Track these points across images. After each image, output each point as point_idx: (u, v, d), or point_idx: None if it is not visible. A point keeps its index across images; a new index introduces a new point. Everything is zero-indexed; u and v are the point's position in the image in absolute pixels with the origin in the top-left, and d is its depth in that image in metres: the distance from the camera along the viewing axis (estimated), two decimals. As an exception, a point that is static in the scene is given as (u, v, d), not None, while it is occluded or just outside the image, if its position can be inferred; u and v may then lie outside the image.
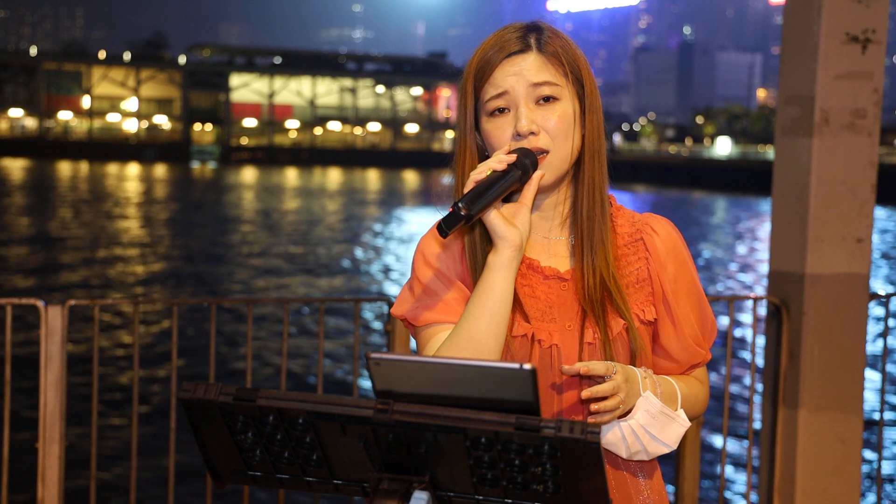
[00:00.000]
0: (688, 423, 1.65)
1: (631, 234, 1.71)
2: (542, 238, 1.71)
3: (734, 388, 9.65)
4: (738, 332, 12.46)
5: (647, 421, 1.60)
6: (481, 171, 1.56)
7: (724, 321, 11.67)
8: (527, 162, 1.60)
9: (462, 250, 1.70)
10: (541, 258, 1.70)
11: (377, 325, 12.60)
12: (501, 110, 1.63)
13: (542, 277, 1.68)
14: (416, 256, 1.73)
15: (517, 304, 1.65)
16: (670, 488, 4.07)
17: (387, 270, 19.51)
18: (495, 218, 1.56)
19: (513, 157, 1.58)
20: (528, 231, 1.61)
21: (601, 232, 1.66)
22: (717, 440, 7.97)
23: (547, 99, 1.61)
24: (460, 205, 1.49)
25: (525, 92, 1.61)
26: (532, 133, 1.61)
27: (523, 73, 1.61)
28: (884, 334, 4.11)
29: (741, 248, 26.14)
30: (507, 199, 1.65)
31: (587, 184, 1.66)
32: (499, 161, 1.56)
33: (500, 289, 1.58)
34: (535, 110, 1.61)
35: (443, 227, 1.50)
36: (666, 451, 1.63)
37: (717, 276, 20.45)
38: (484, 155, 1.69)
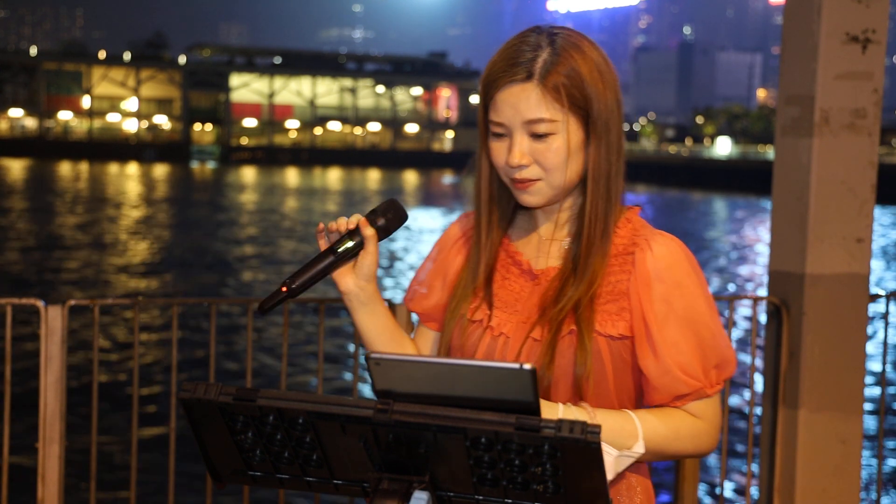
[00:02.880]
0: (613, 452, 1.55)
1: (625, 247, 1.68)
2: (538, 236, 1.74)
3: (734, 388, 9.65)
4: (737, 333, 12.47)
5: None
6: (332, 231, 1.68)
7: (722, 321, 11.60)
8: (377, 224, 1.67)
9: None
10: (529, 254, 1.73)
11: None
12: (500, 135, 1.65)
13: (519, 271, 1.72)
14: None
15: (487, 291, 1.71)
16: (670, 488, 4.07)
17: (387, 269, 19.52)
18: (336, 276, 1.70)
19: (326, 231, 1.67)
20: (371, 277, 1.71)
21: (597, 246, 1.66)
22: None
23: (542, 135, 1.62)
24: (288, 280, 1.59)
25: (520, 125, 1.62)
26: (522, 165, 1.63)
27: (520, 106, 1.61)
28: (885, 334, 4.11)
29: (741, 249, 26.13)
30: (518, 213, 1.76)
31: (589, 207, 1.66)
32: (323, 245, 1.67)
33: (362, 327, 1.75)
34: (530, 143, 1.62)
35: (262, 305, 1.58)
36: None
37: (716, 276, 20.45)
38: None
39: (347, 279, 1.70)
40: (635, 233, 1.68)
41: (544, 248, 1.73)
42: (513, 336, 1.67)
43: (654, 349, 1.62)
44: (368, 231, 1.66)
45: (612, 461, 1.55)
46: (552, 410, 1.54)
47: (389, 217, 1.68)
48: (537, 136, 1.62)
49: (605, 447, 1.55)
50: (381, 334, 1.76)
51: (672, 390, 1.63)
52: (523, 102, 1.61)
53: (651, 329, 1.62)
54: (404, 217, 1.70)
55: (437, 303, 1.80)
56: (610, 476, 1.54)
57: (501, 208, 1.74)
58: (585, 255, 1.65)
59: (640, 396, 1.68)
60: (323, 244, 1.67)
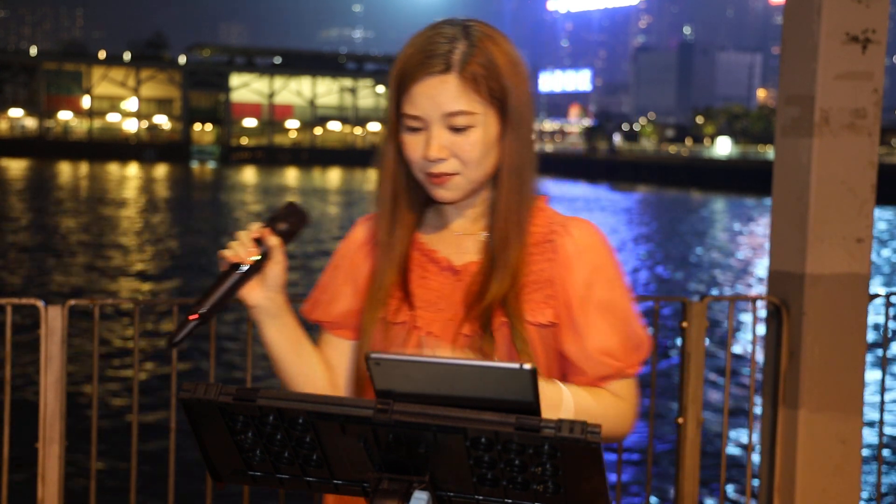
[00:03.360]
0: None
1: (543, 235, 1.66)
2: (453, 233, 1.71)
3: (734, 388, 9.66)
4: (737, 333, 12.47)
5: None
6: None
7: (722, 321, 11.68)
8: (280, 230, 1.62)
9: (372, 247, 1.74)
10: (446, 251, 1.70)
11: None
12: (415, 129, 1.61)
13: (438, 269, 1.69)
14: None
15: (405, 291, 1.68)
16: (670, 488, 4.07)
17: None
18: (243, 292, 1.62)
19: (232, 255, 1.59)
20: (280, 288, 1.64)
21: (513, 238, 1.64)
22: (717, 440, 7.97)
23: (461, 128, 1.59)
24: (195, 307, 1.54)
25: (438, 118, 1.59)
26: (441, 159, 1.60)
27: (438, 99, 1.58)
28: (884, 334, 4.11)
29: (741, 249, 26.13)
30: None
31: (504, 200, 1.64)
32: (225, 257, 1.60)
33: (272, 343, 1.67)
34: (448, 136, 1.60)
35: (172, 339, 1.53)
36: None
37: (716, 276, 20.46)
38: (403, 161, 1.67)
39: (255, 292, 1.63)
40: (551, 220, 1.68)
41: (460, 243, 1.70)
42: (441, 334, 1.65)
43: (578, 332, 1.63)
44: (273, 241, 1.61)
45: None
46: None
47: (291, 221, 1.64)
48: (456, 129, 1.59)
49: None
50: (291, 350, 1.69)
51: (596, 372, 1.63)
52: (442, 95, 1.58)
53: (575, 312, 1.63)
54: (306, 218, 1.65)
55: (348, 309, 1.74)
56: None
57: (409, 206, 1.70)
58: (503, 248, 1.63)
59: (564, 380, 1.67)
60: (223, 266, 1.60)
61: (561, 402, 1.55)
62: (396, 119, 1.64)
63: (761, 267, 21.57)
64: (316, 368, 1.72)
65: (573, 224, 1.67)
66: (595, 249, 1.65)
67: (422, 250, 1.71)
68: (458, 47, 1.59)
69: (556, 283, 1.64)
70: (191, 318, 1.53)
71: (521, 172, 1.64)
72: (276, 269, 1.63)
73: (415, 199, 1.70)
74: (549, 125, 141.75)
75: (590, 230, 1.67)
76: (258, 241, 1.61)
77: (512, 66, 1.62)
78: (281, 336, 1.68)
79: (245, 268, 1.60)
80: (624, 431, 1.66)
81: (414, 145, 1.62)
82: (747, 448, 4.15)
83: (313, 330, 1.79)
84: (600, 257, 1.65)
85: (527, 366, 1.20)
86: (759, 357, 4.34)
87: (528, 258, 1.65)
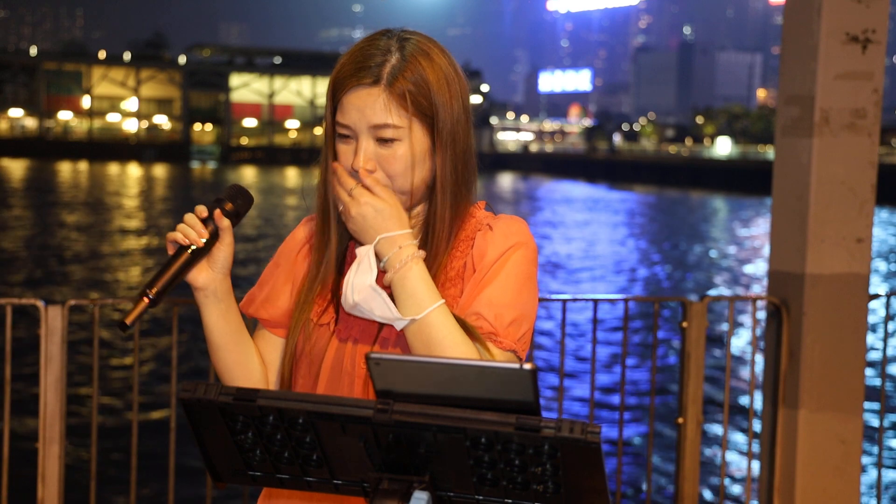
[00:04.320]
0: (391, 314, 1.55)
1: (467, 232, 1.68)
2: None
3: (734, 389, 9.66)
4: (738, 333, 12.47)
5: (353, 266, 1.60)
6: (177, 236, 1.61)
7: (721, 321, 11.70)
8: (228, 211, 1.63)
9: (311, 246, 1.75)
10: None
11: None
12: (346, 136, 1.64)
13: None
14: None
15: (335, 294, 1.69)
16: (670, 488, 4.07)
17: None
18: (190, 275, 1.63)
19: (181, 237, 1.60)
20: (226, 271, 1.66)
21: (441, 250, 1.65)
22: (717, 440, 7.97)
23: (385, 140, 1.61)
24: (146, 290, 1.54)
25: (366, 130, 1.61)
26: (368, 170, 1.62)
27: (366, 111, 1.60)
28: (884, 334, 4.11)
29: (741, 249, 26.14)
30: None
31: (437, 214, 1.65)
32: (174, 239, 1.60)
33: (213, 328, 1.69)
34: (375, 147, 1.62)
35: (124, 322, 1.53)
36: (359, 307, 1.57)
37: (716, 276, 20.46)
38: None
39: (202, 274, 1.64)
40: (478, 223, 1.68)
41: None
42: (361, 338, 1.66)
43: (462, 293, 1.63)
44: (224, 222, 1.63)
45: (381, 302, 1.56)
46: (404, 238, 1.59)
47: (238, 203, 1.65)
48: (382, 141, 1.61)
49: (383, 296, 1.56)
50: (231, 338, 1.70)
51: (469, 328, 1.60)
52: (369, 107, 1.60)
53: (471, 282, 1.63)
54: (251, 200, 1.67)
55: (285, 308, 1.76)
56: (377, 309, 1.56)
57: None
58: (431, 260, 1.64)
59: None
60: (171, 248, 1.61)
61: (426, 305, 1.55)
62: (332, 126, 1.66)
63: (761, 267, 21.57)
64: (252, 359, 1.73)
65: (497, 220, 1.68)
66: (511, 238, 1.65)
67: (355, 256, 1.70)
68: (390, 60, 1.61)
69: (467, 268, 1.65)
70: (145, 300, 1.53)
71: (455, 188, 1.65)
72: (225, 250, 1.65)
73: None
74: (548, 125, 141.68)
75: (511, 224, 1.67)
76: (205, 223, 1.62)
77: (444, 82, 1.63)
78: (223, 321, 1.69)
79: (195, 248, 1.60)
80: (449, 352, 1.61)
81: (345, 154, 1.64)
82: (747, 448, 4.15)
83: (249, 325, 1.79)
84: (513, 243, 1.64)
85: (527, 366, 1.20)
86: (759, 357, 4.34)
87: (447, 261, 1.65)
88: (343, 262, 1.71)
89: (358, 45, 1.64)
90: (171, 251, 1.61)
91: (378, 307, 1.57)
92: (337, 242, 1.71)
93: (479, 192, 1.74)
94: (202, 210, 1.62)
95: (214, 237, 1.62)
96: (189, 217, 1.62)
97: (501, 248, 1.64)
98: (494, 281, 1.62)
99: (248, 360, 1.73)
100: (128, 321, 1.52)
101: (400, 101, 1.60)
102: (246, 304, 1.78)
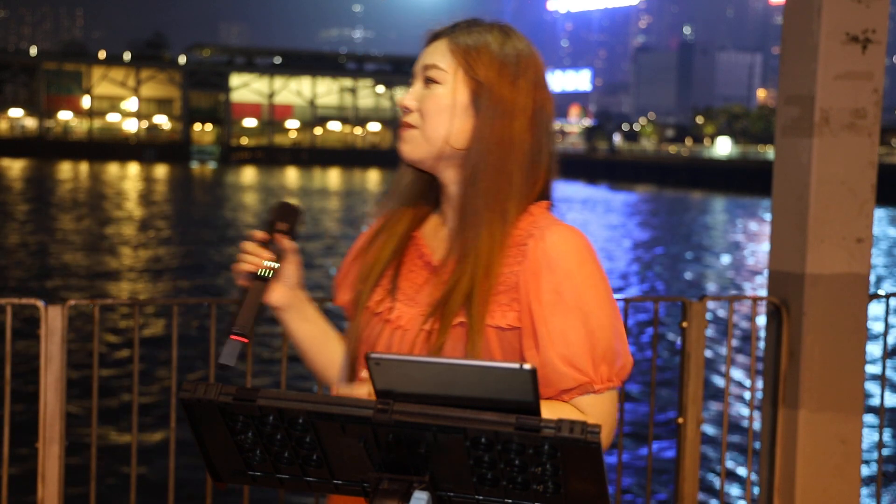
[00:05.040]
0: None
1: (520, 238, 1.63)
2: (445, 230, 1.73)
3: (734, 389, 9.66)
4: (737, 333, 12.47)
5: None
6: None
7: (722, 322, 11.71)
8: (283, 231, 1.67)
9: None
10: (433, 248, 1.72)
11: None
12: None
13: (422, 263, 1.72)
14: None
15: (392, 283, 1.72)
16: (670, 487, 4.07)
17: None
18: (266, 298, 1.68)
19: (251, 266, 1.64)
20: (298, 285, 1.72)
21: (485, 236, 1.62)
22: (717, 440, 7.97)
23: (429, 81, 1.67)
24: (236, 329, 1.58)
25: (420, 72, 1.69)
26: (407, 108, 1.68)
27: (425, 55, 1.69)
28: (884, 334, 4.11)
29: (740, 249, 26.14)
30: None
31: (473, 196, 1.64)
32: (244, 270, 1.65)
33: (300, 336, 1.76)
34: (421, 89, 1.68)
35: (224, 363, 1.57)
36: None
37: (715, 276, 20.46)
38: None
39: (277, 293, 1.70)
40: (533, 224, 1.63)
41: (447, 241, 1.71)
42: (409, 328, 1.66)
43: (536, 340, 1.56)
44: (287, 244, 1.68)
45: None
46: None
47: (290, 220, 1.68)
48: (427, 82, 1.67)
49: None
50: (317, 340, 1.76)
51: (555, 383, 1.56)
52: (428, 52, 1.69)
53: (536, 320, 1.57)
54: (299, 213, 1.70)
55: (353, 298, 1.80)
56: None
57: (414, 202, 1.75)
58: (472, 245, 1.62)
59: None
60: (242, 280, 1.65)
61: None
62: None
63: (761, 267, 21.57)
64: (342, 355, 1.78)
65: (552, 229, 1.61)
66: (569, 256, 1.58)
67: (416, 245, 1.73)
68: (471, 25, 1.69)
69: (521, 287, 1.59)
70: (233, 338, 1.57)
71: (499, 163, 1.63)
72: (291, 267, 1.70)
73: (421, 198, 1.75)
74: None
75: (567, 236, 1.60)
76: (267, 246, 1.65)
77: (508, 62, 1.66)
78: (306, 327, 1.75)
79: (265, 275, 1.64)
80: None
81: None
82: (747, 448, 4.15)
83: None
84: (573, 264, 1.58)
85: (527, 366, 1.20)
86: (759, 357, 4.34)
87: (501, 260, 1.62)
88: (403, 252, 1.74)
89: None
90: (242, 283, 1.65)
91: None
92: (401, 234, 1.74)
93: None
94: (260, 235, 1.66)
95: (280, 259, 1.67)
96: (249, 246, 1.66)
97: (560, 271, 1.58)
98: (574, 319, 1.56)
99: (337, 358, 1.78)
100: (226, 362, 1.56)
101: (453, 49, 1.66)
102: (333, 295, 1.87)
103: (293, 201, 1.71)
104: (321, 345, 1.76)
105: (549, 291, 1.57)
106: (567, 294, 1.56)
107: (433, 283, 1.68)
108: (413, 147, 1.67)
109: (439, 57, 1.66)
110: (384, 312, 1.70)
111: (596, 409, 1.57)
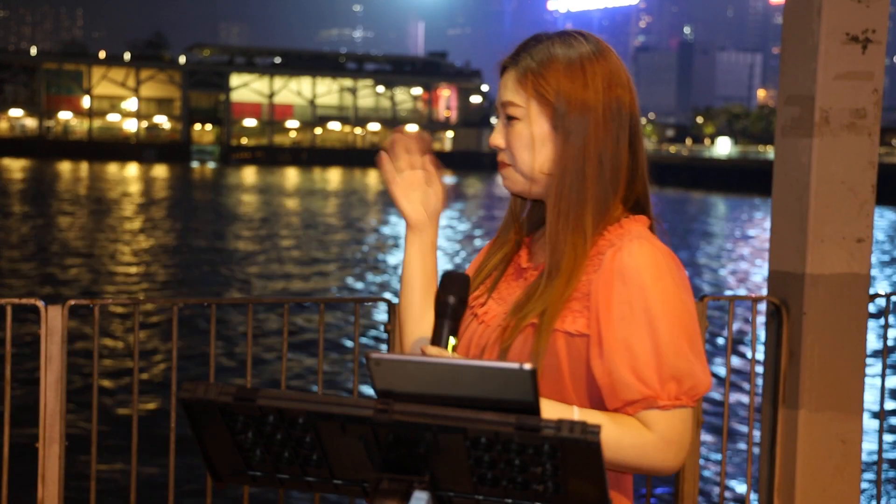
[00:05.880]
0: None
1: (602, 248, 1.64)
2: (544, 232, 1.78)
3: (734, 389, 9.66)
4: (737, 333, 12.46)
5: None
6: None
7: (721, 322, 11.72)
8: (451, 302, 1.64)
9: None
10: (534, 252, 1.78)
11: (378, 324, 12.60)
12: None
13: (517, 267, 1.78)
14: None
15: (493, 283, 1.77)
16: (670, 487, 4.07)
17: (387, 270, 19.51)
18: (399, 199, 1.77)
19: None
20: (432, 211, 1.77)
21: (567, 244, 1.64)
22: (717, 440, 7.97)
23: (510, 118, 1.68)
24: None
25: (500, 108, 1.71)
26: (497, 147, 1.71)
27: (501, 90, 1.70)
28: (884, 335, 4.11)
29: (740, 249, 26.13)
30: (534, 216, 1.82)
31: (551, 202, 1.67)
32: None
33: (407, 257, 1.79)
34: (504, 126, 1.70)
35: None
36: None
37: (715, 276, 20.45)
38: None
39: (416, 212, 1.77)
40: (620, 236, 1.64)
41: (544, 246, 1.76)
42: (490, 324, 1.71)
43: (601, 348, 1.56)
44: (437, 173, 1.78)
45: None
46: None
47: (455, 290, 1.63)
48: (508, 120, 1.68)
49: None
50: (422, 279, 1.78)
51: (619, 393, 1.55)
52: (502, 86, 1.70)
53: (602, 328, 1.57)
54: (462, 278, 1.65)
55: None
56: None
57: (525, 207, 1.81)
58: (552, 252, 1.65)
59: (601, 397, 1.61)
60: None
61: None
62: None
63: (761, 267, 21.57)
64: (425, 312, 1.81)
65: (633, 242, 1.60)
66: (645, 270, 1.57)
67: (522, 251, 1.79)
68: (528, 48, 1.68)
69: (593, 295, 1.60)
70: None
71: (578, 179, 1.64)
72: (436, 198, 1.79)
73: (535, 210, 1.80)
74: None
75: (645, 250, 1.59)
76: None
77: (579, 70, 1.63)
78: (420, 260, 1.79)
79: (450, 341, 1.61)
80: (651, 467, 1.54)
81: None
82: (747, 448, 4.15)
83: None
84: (648, 278, 1.57)
85: (527, 366, 1.20)
86: (760, 357, 4.33)
87: (581, 269, 1.63)
88: (511, 257, 1.79)
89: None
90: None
91: None
92: (509, 236, 1.79)
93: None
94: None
95: (459, 316, 1.63)
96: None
97: (633, 284, 1.57)
98: (643, 333, 1.55)
99: (430, 308, 1.79)
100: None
101: (521, 80, 1.66)
102: None
103: (454, 271, 1.67)
104: (422, 287, 1.78)
105: (620, 302, 1.57)
106: (637, 307, 1.56)
107: (521, 285, 1.73)
108: (511, 183, 1.72)
109: (511, 93, 1.67)
110: (476, 307, 1.75)
111: (661, 426, 1.54)
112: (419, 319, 1.79)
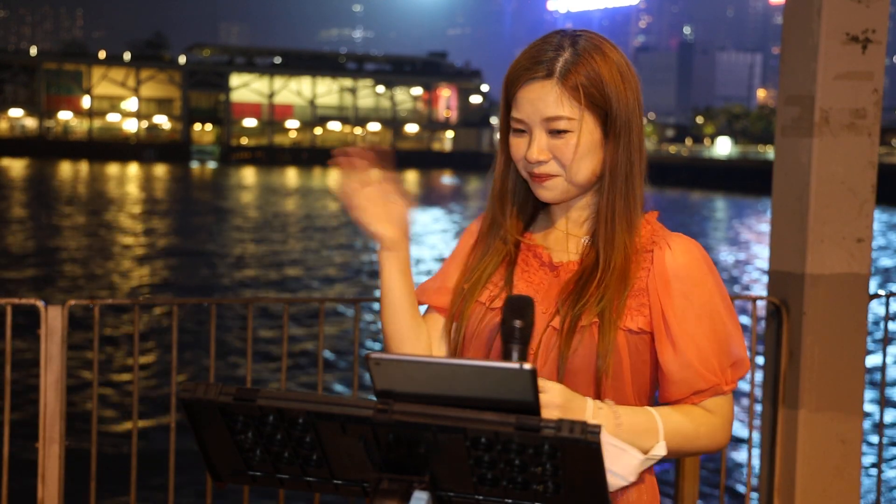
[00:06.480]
0: (640, 456, 1.57)
1: (645, 246, 1.71)
2: (556, 231, 1.78)
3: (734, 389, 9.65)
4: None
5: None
6: None
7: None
8: (518, 327, 1.54)
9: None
10: (550, 249, 1.77)
11: (377, 324, 12.61)
12: (520, 131, 1.70)
13: (539, 264, 1.76)
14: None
15: (508, 281, 1.75)
16: (670, 488, 4.07)
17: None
18: (366, 222, 1.73)
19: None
20: (402, 226, 1.74)
21: (620, 242, 1.69)
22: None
23: (560, 132, 1.67)
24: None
25: (539, 123, 1.67)
26: (541, 161, 1.68)
27: (538, 104, 1.66)
28: (884, 335, 4.11)
29: (740, 249, 26.13)
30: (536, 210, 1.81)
31: (606, 204, 1.70)
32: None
33: (385, 277, 1.76)
34: (548, 139, 1.68)
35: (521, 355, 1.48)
36: (622, 483, 1.57)
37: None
38: (512, 162, 1.76)
39: (389, 230, 1.73)
40: (654, 233, 1.72)
41: (563, 242, 1.77)
42: (536, 326, 1.69)
43: (675, 344, 1.65)
44: (406, 192, 1.74)
45: (637, 464, 1.56)
46: (581, 405, 1.56)
47: (521, 314, 1.56)
48: (555, 133, 1.67)
49: (630, 450, 1.57)
50: (407, 300, 1.76)
51: (691, 385, 1.66)
52: (542, 100, 1.66)
53: (671, 324, 1.66)
54: (526, 301, 1.57)
55: (453, 287, 1.83)
56: (632, 478, 1.56)
57: (518, 203, 1.79)
58: (608, 250, 1.69)
59: (654, 391, 1.72)
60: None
61: (655, 428, 1.60)
62: (506, 122, 1.73)
63: (761, 267, 21.57)
64: (424, 327, 1.81)
65: (674, 239, 1.71)
66: (695, 265, 1.68)
67: (528, 246, 1.78)
68: (563, 55, 1.66)
69: (651, 293, 1.67)
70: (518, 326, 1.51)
71: (627, 178, 1.70)
72: (405, 214, 1.75)
73: (524, 198, 1.79)
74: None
75: (690, 247, 1.70)
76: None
77: (618, 75, 1.68)
78: (401, 279, 1.76)
79: (523, 356, 1.52)
80: (717, 446, 1.69)
81: (518, 147, 1.71)
82: (747, 448, 4.15)
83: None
84: (699, 273, 1.68)
85: (527, 366, 1.20)
86: (760, 358, 4.34)
87: (632, 266, 1.69)
88: (515, 253, 1.78)
89: (532, 44, 1.72)
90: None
91: (630, 459, 1.58)
92: (509, 233, 1.78)
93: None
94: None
95: (527, 337, 1.54)
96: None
97: (689, 278, 1.68)
98: (705, 326, 1.66)
99: (420, 326, 1.79)
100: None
101: (572, 94, 1.65)
102: (419, 293, 1.85)
103: (517, 296, 1.58)
104: (409, 305, 1.76)
105: (680, 297, 1.67)
106: (696, 301, 1.67)
107: (554, 283, 1.73)
108: (557, 193, 1.71)
109: (557, 107, 1.65)
110: (499, 308, 1.73)
111: (723, 410, 1.69)
112: (414, 340, 1.77)
